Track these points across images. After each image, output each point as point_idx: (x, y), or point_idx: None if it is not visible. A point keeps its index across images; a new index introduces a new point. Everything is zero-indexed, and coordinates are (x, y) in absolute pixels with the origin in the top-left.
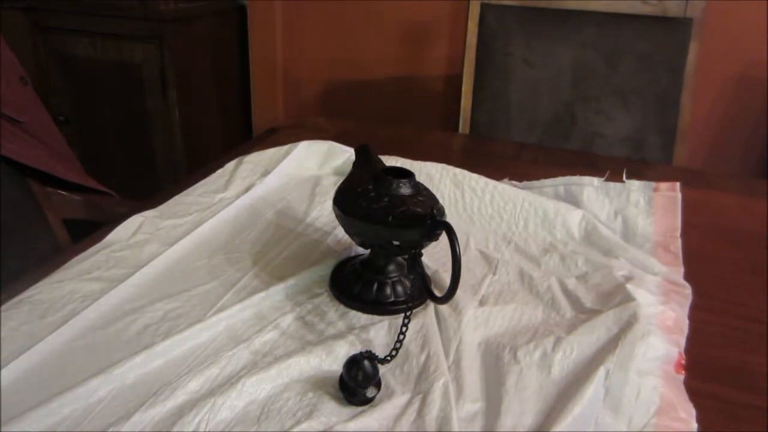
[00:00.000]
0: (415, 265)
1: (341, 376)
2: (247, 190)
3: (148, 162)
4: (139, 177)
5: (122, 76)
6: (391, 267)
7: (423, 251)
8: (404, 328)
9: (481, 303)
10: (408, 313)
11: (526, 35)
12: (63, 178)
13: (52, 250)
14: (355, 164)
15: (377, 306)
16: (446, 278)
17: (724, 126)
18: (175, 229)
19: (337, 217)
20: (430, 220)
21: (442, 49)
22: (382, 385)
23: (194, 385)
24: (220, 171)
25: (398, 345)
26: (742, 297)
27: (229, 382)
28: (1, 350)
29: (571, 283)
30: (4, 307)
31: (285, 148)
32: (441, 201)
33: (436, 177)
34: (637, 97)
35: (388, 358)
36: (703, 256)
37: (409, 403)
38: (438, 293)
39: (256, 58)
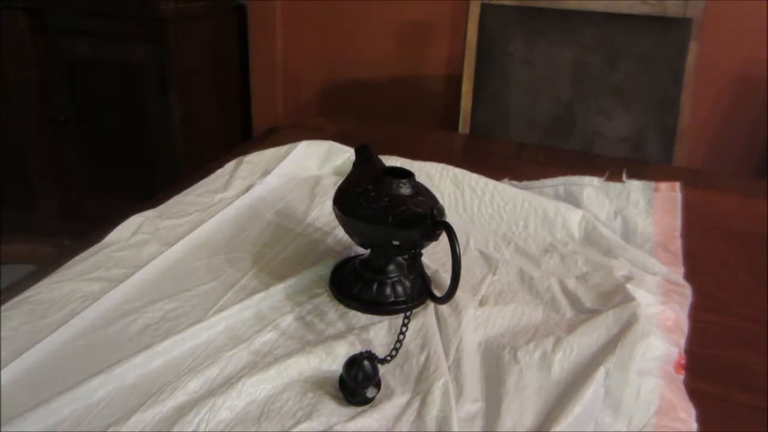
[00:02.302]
0: (415, 265)
1: (341, 376)
2: (247, 190)
3: (148, 162)
4: (139, 177)
5: (122, 76)
6: (391, 267)
7: (423, 251)
8: (404, 328)
9: (481, 303)
10: (408, 314)
11: (526, 35)
12: None
13: None
14: (355, 164)
15: (377, 306)
16: (446, 278)
17: (724, 126)
18: (174, 229)
19: (337, 217)
20: (430, 220)
21: (442, 49)
22: (382, 385)
23: (194, 385)
24: (220, 171)
25: (398, 345)
26: (742, 297)
27: (229, 382)
28: (1, 350)
29: (571, 283)
30: (4, 307)
31: (285, 148)
32: (441, 201)
33: (436, 177)
34: (637, 97)
35: (388, 358)
36: (703, 256)
37: (408, 403)
38: (438, 293)
39: (256, 58)
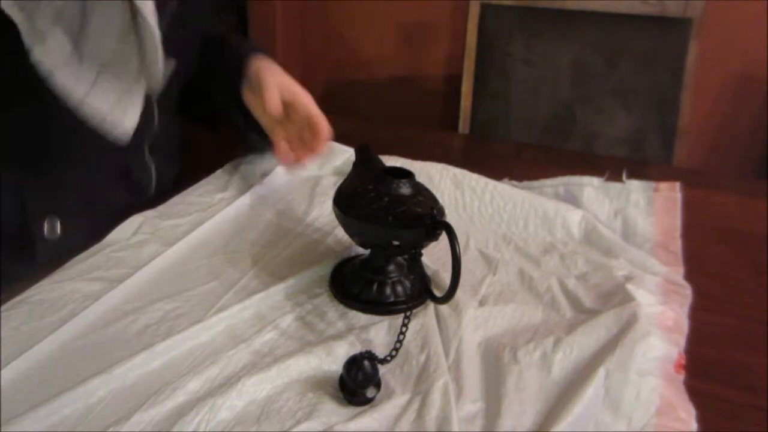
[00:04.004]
0: (415, 265)
1: (341, 377)
2: (247, 190)
3: None
4: None
5: None
6: (391, 267)
7: (422, 251)
8: (404, 328)
9: (481, 303)
10: (408, 314)
11: (526, 35)
12: None
13: None
14: (355, 164)
15: (377, 306)
16: (446, 278)
17: (724, 126)
18: (175, 229)
19: (337, 217)
20: (430, 220)
21: (442, 49)
22: (382, 385)
23: (194, 385)
24: (219, 171)
25: (398, 345)
26: (742, 297)
27: (229, 382)
28: (1, 350)
29: (571, 283)
30: (4, 307)
31: None
32: (441, 201)
33: (436, 177)
34: (637, 97)
35: (388, 358)
36: (703, 256)
37: (408, 403)
38: (438, 293)
39: None
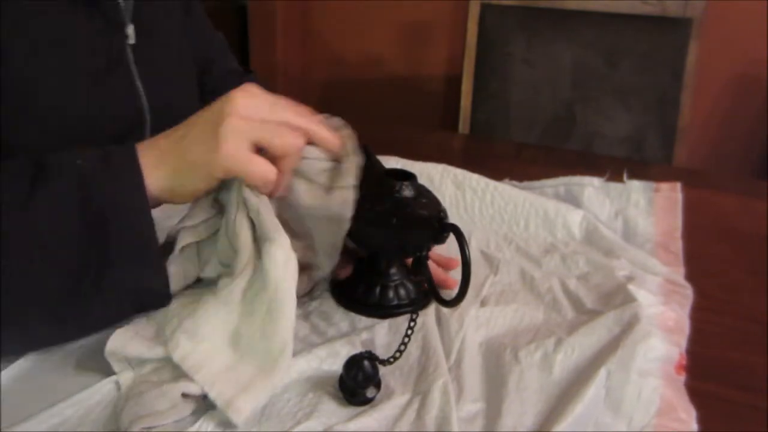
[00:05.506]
0: (420, 268)
1: (341, 376)
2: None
3: None
4: None
5: None
6: (393, 270)
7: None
8: (410, 331)
9: (483, 303)
10: (414, 317)
11: (526, 35)
12: None
13: None
14: None
15: (380, 309)
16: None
17: (724, 126)
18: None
19: None
20: (437, 222)
21: (442, 49)
22: (382, 385)
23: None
24: None
25: (402, 347)
26: (742, 297)
27: None
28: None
29: (572, 283)
30: None
31: None
32: (442, 202)
33: (437, 178)
34: (637, 97)
35: (391, 359)
36: (704, 257)
37: (408, 403)
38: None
39: (256, 58)
